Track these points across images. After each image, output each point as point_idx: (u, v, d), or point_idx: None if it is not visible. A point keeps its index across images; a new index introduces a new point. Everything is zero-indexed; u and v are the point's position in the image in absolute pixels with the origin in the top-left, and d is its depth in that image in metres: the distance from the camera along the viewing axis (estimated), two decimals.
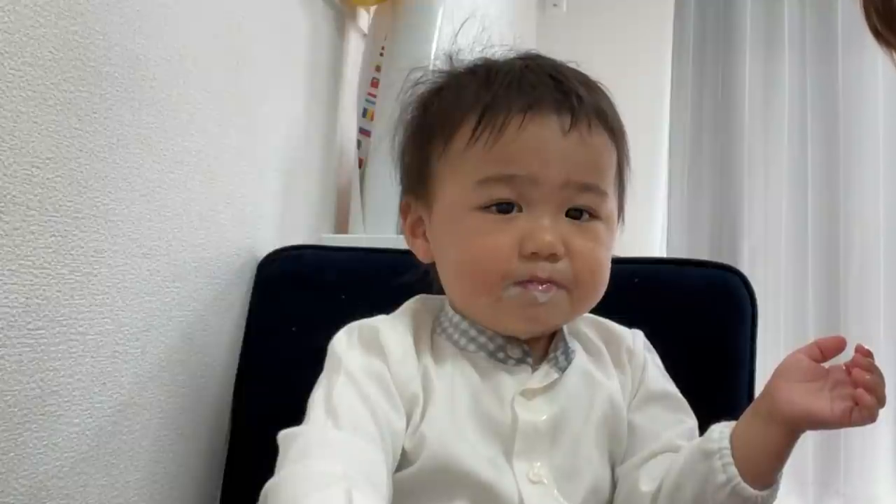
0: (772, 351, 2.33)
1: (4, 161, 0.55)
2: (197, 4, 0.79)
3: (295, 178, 1.04)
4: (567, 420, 0.61)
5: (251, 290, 0.92)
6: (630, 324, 0.70)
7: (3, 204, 0.55)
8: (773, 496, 0.56)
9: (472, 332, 0.63)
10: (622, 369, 0.67)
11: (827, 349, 0.56)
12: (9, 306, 0.57)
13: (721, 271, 0.85)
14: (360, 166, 1.13)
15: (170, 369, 0.78)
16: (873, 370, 0.54)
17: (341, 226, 1.17)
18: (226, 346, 0.89)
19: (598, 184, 0.61)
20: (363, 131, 1.14)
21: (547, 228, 0.59)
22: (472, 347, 0.63)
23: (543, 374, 0.62)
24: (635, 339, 0.69)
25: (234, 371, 0.90)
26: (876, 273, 2.37)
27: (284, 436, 0.54)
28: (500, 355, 0.63)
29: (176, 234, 0.77)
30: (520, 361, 0.63)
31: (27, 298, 0.58)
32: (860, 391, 0.53)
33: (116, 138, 0.67)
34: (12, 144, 0.56)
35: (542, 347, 0.65)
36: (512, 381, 0.61)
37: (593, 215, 0.61)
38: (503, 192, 0.60)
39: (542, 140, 0.59)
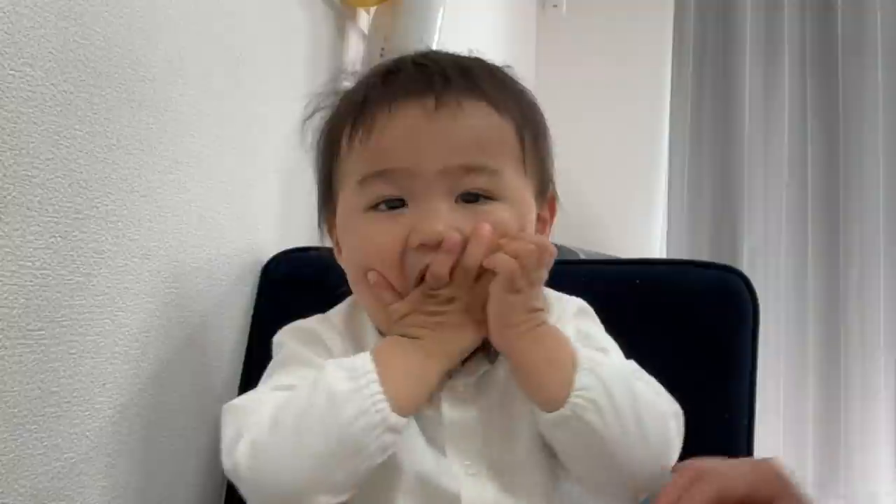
0: (772, 351, 2.33)
1: (4, 162, 0.55)
2: (197, 5, 0.79)
3: (295, 178, 1.03)
4: (499, 413, 0.60)
5: (255, 292, 0.92)
6: (631, 325, 0.70)
7: (3, 205, 0.55)
8: None
9: None
10: None
11: None
12: (9, 307, 0.56)
13: (722, 272, 0.85)
14: None
15: (170, 370, 0.78)
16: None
17: None
18: (229, 347, 0.89)
19: (484, 163, 0.58)
20: None
21: (434, 217, 0.57)
22: None
23: (473, 366, 0.61)
24: (566, 308, 0.66)
25: (238, 372, 0.90)
26: (876, 273, 2.37)
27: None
28: None
29: (176, 235, 0.77)
30: None
31: (27, 299, 0.58)
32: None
33: (116, 139, 0.67)
34: (12, 145, 0.56)
35: None
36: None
37: (489, 197, 0.59)
38: (384, 189, 0.59)
39: (409, 127, 0.58)
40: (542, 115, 0.65)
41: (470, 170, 0.58)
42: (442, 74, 0.59)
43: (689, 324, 0.82)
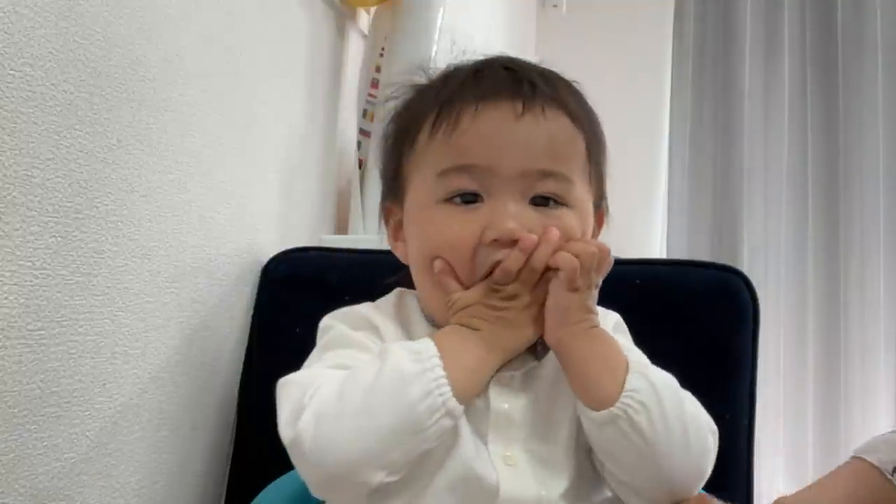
0: (772, 351, 2.33)
1: (4, 162, 0.55)
2: (197, 5, 0.79)
3: (295, 178, 1.04)
4: (543, 408, 0.61)
5: (255, 291, 0.92)
6: (631, 325, 0.70)
7: (3, 205, 0.55)
8: None
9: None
10: None
11: None
12: (9, 307, 0.57)
13: (722, 272, 0.85)
14: (359, 167, 1.13)
15: (170, 370, 0.78)
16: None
17: (341, 226, 1.17)
18: (229, 346, 0.89)
19: (559, 170, 0.61)
20: (363, 132, 1.14)
21: (509, 215, 0.59)
22: None
23: (520, 362, 0.62)
24: (606, 321, 0.68)
25: (238, 372, 0.90)
26: (876, 272, 2.37)
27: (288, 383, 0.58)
28: None
29: (176, 235, 0.77)
30: None
31: (27, 299, 0.58)
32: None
33: (116, 139, 0.67)
34: (12, 145, 0.56)
35: None
36: None
37: (560, 202, 0.61)
38: (464, 183, 0.61)
39: (495, 126, 0.60)
40: (604, 135, 0.67)
41: (545, 174, 0.60)
42: (529, 81, 0.62)
43: (689, 324, 0.82)
